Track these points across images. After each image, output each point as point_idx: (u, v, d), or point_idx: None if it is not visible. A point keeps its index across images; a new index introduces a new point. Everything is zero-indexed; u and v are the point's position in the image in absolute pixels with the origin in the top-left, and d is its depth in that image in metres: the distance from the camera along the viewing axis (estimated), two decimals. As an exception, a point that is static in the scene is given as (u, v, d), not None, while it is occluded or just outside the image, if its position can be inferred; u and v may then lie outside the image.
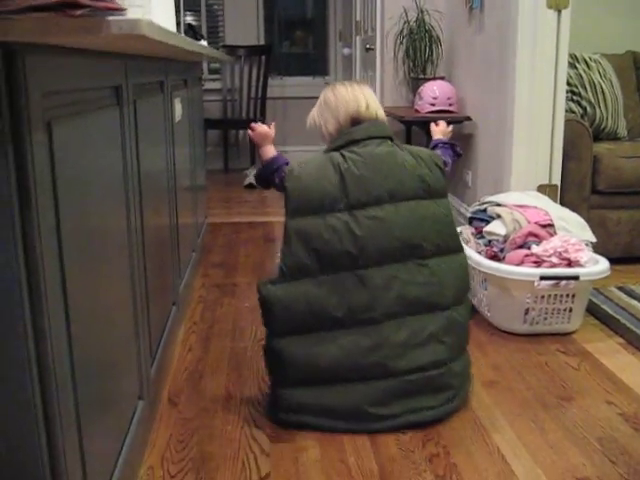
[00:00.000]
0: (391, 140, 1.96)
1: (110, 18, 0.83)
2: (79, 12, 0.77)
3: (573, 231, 2.56)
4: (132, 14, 2.04)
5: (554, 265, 2.40)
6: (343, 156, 1.91)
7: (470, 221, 2.83)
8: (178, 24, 2.65)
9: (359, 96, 1.98)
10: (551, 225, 2.56)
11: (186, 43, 1.68)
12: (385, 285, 1.82)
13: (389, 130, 1.99)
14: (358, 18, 5.23)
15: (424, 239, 1.86)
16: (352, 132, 1.95)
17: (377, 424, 1.82)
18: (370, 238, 1.82)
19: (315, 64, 6.75)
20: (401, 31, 4.01)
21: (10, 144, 0.87)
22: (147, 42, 1.10)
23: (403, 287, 1.83)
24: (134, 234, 1.58)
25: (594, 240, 2.62)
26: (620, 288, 2.92)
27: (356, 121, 1.97)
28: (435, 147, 2.15)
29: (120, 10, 0.87)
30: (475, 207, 2.82)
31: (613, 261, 2.97)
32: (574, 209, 2.90)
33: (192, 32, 2.97)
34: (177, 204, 2.40)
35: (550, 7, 2.91)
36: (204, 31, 6.33)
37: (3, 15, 0.75)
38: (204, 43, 2.96)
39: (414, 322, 1.85)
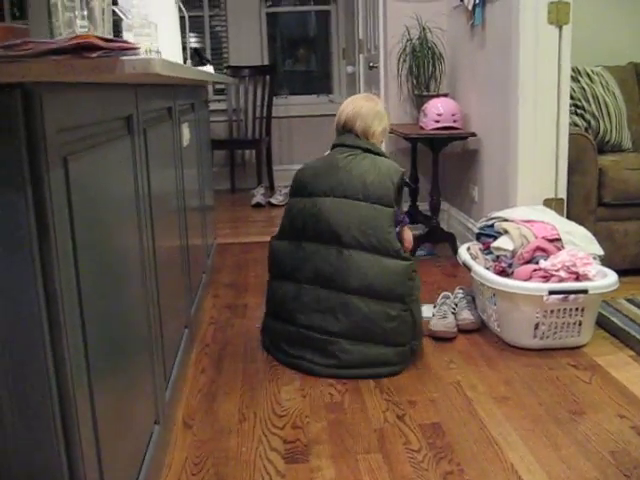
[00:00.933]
0: (363, 150, 2.45)
1: (124, 58, 0.85)
2: (95, 54, 0.79)
3: (580, 245, 2.57)
4: (140, 42, 2.08)
5: (562, 279, 2.42)
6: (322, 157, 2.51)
7: (478, 237, 2.84)
8: (184, 49, 2.69)
9: (345, 110, 2.53)
10: (558, 239, 2.57)
11: (195, 74, 1.71)
12: (309, 256, 2.37)
13: (360, 142, 2.48)
14: (361, 36, 5.26)
15: (345, 231, 2.31)
16: (335, 139, 2.56)
17: (286, 359, 2.38)
18: (312, 219, 2.38)
19: (319, 82, 6.80)
20: (404, 49, 4.04)
21: (29, 182, 0.90)
22: (159, 76, 1.13)
23: (320, 262, 2.35)
24: (147, 257, 1.60)
25: (601, 253, 2.63)
26: (629, 300, 2.93)
27: (343, 130, 2.54)
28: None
29: (134, 49, 0.89)
30: (482, 223, 2.84)
31: (621, 273, 2.98)
32: (581, 222, 2.91)
33: (197, 56, 3.01)
34: (187, 225, 2.43)
35: (551, 23, 2.94)
36: (208, 53, 6.39)
37: (23, 59, 0.78)
38: (209, 67, 3.00)
39: (321, 292, 2.34)
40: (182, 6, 2.63)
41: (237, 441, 1.90)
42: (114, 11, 2.17)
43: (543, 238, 2.56)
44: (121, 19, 2.13)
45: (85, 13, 1.57)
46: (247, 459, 1.81)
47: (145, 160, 1.66)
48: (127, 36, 2.00)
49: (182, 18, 2.82)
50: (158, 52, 2.14)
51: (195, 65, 2.93)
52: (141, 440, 1.48)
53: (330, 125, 6.55)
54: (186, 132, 2.47)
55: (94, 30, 1.57)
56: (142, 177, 1.59)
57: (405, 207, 3.71)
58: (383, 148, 4.39)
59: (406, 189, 2.60)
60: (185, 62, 2.75)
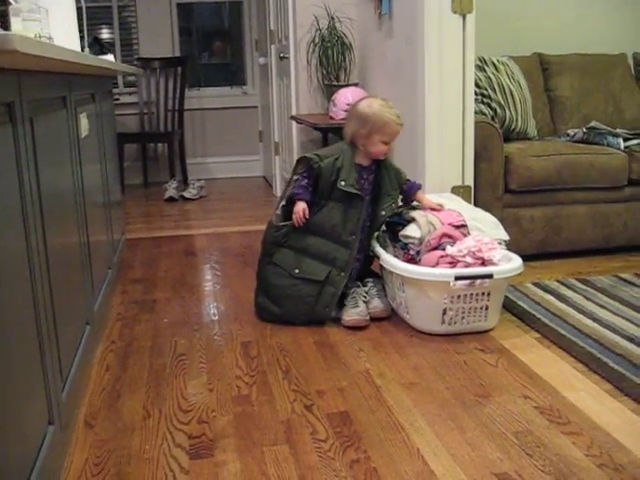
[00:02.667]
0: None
1: (-23, 34, 0.80)
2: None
3: (486, 230, 2.61)
4: (30, 28, 2.00)
5: (468, 265, 2.45)
6: None
7: (387, 225, 2.85)
8: (82, 37, 2.60)
9: None
10: (464, 225, 2.61)
11: (73, 56, 1.64)
12: None
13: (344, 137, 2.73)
14: (272, 27, 5.23)
15: None
16: None
17: None
18: None
19: (233, 74, 6.73)
20: (313, 39, 4.04)
21: None
22: (28, 57, 1.07)
23: None
24: (36, 256, 1.53)
25: (507, 238, 2.68)
26: (535, 284, 2.99)
27: None
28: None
29: (-10, 25, 0.84)
30: (391, 211, 2.85)
31: (528, 258, 3.06)
32: (488, 209, 2.96)
33: (98, 45, 2.92)
34: (87, 222, 2.35)
35: (455, 12, 2.97)
36: (117, 45, 6.24)
37: None
38: (110, 56, 2.91)
39: None
40: (79, -7, 2.54)
41: (140, 439, 1.85)
42: (2, -4, 2.09)
43: (449, 225, 2.58)
44: (9, 3, 2.04)
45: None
46: (150, 457, 1.76)
47: (32, 151, 1.59)
48: (15, 21, 1.92)
49: (83, 6, 2.74)
50: (49, 38, 2.06)
51: (95, 54, 2.84)
52: (31, 442, 1.42)
53: (244, 117, 6.53)
54: (84, 123, 2.40)
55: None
56: (28, 169, 1.52)
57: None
58: (294, 133, 4.37)
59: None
60: (82, 50, 2.67)
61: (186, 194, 5.45)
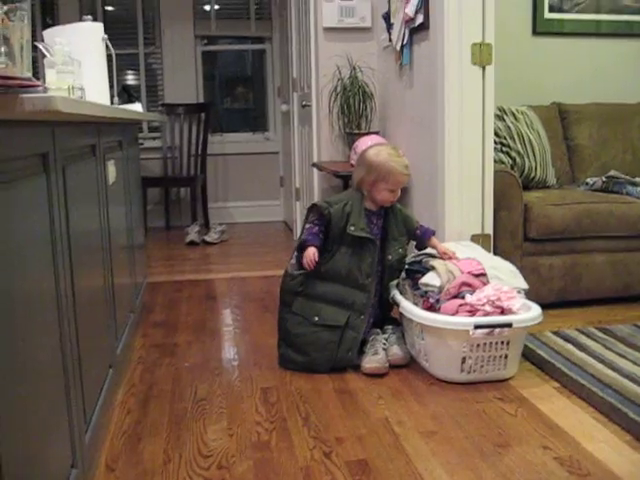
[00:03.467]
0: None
1: (23, 95, 0.85)
2: (-9, 91, 0.78)
3: (505, 279, 2.63)
4: (63, 80, 2.07)
5: (488, 314, 2.46)
6: None
7: (407, 273, 2.87)
8: (112, 86, 2.68)
9: None
10: (484, 274, 2.62)
11: (106, 111, 1.70)
12: None
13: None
14: (295, 75, 5.34)
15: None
16: None
17: None
18: None
19: (255, 120, 6.84)
20: (335, 88, 4.12)
21: None
22: (66, 114, 1.12)
23: None
24: (64, 298, 1.57)
25: (526, 287, 2.69)
26: (555, 333, 2.99)
27: None
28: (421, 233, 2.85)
29: (35, 86, 0.89)
30: (411, 259, 2.87)
31: (547, 306, 3.05)
32: (508, 257, 2.98)
33: (126, 94, 3.00)
34: (112, 265, 2.40)
35: (475, 64, 3.03)
36: (143, 90, 6.38)
37: None
38: (137, 105, 2.99)
39: None
40: (109, 44, 2.63)
41: (161, 483, 1.86)
42: (37, 47, 2.17)
43: (469, 273, 2.60)
44: (44, 56, 2.12)
45: (2, 49, 1.56)
46: (170, 502, 1.77)
47: (64, 198, 1.64)
48: (49, 73, 1.99)
49: (113, 56, 2.82)
50: (82, 89, 2.13)
51: (123, 102, 2.92)
52: (55, 485, 1.44)
53: (266, 162, 6.62)
54: (112, 170, 2.46)
55: (12, 66, 1.55)
56: (59, 214, 1.57)
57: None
58: (315, 179, 4.42)
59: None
60: (112, 100, 2.74)
61: (207, 238, 5.50)
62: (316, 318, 2.66)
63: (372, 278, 2.70)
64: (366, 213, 2.73)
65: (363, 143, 3.75)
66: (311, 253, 2.64)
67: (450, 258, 2.72)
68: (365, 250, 2.68)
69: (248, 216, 6.56)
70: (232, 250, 5.29)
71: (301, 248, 2.69)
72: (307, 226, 2.73)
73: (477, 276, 2.61)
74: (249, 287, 4.05)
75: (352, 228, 2.66)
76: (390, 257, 2.76)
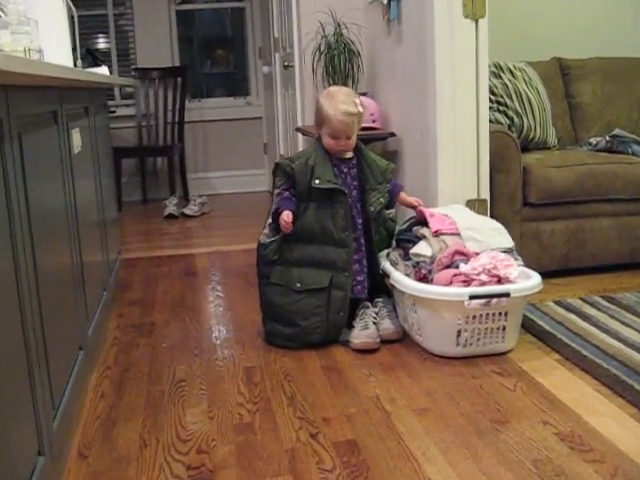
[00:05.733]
0: None
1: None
2: None
3: (483, 240, 2.61)
4: (18, 41, 2.04)
5: (484, 283, 2.46)
6: None
7: (398, 242, 2.87)
8: (74, 49, 2.64)
9: None
10: (456, 234, 2.62)
11: (62, 72, 1.67)
12: None
13: None
14: (276, 34, 5.28)
15: None
16: None
17: None
18: None
19: (235, 84, 6.80)
20: (319, 46, 4.07)
21: None
22: (19, 76, 1.10)
23: None
24: (24, 278, 1.56)
25: (510, 245, 2.66)
26: (557, 302, 3.00)
27: None
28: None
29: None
30: (401, 227, 2.87)
31: (549, 275, 3.07)
32: (506, 223, 2.96)
33: (91, 57, 2.96)
34: (80, 241, 2.38)
35: (467, 17, 3.00)
36: (114, 54, 6.32)
37: None
38: (103, 68, 2.96)
39: None
40: (70, 3, 2.58)
41: (137, 470, 1.86)
42: (-10, 7, 2.13)
43: (436, 232, 2.62)
44: (-2, 16, 2.08)
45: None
46: (147, 489, 1.77)
47: (21, 170, 1.62)
48: (3, 34, 1.96)
49: (75, 16, 2.78)
50: (40, 51, 2.10)
51: (88, 66, 2.88)
52: (20, 474, 1.44)
53: (248, 129, 6.57)
54: (77, 138, 2.43)
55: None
56: (16, 189, 1.55)
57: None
58: (300, 145, 4.42)
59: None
60: (75, 63, 2.70)
61: (187, 211, 5.49)
62: (298, 284, 2.66)
63: (349, 232, 2.68)
64: (334, 163, 2.73)
65: (350, 105, 3.73)
66: (285, 215, 2.64)
67: (419, 207, 2.80)
68: (336, 202, 2.66)
69: (230, 187, 6.55)
70: (213, 223, 5.28)
71: (275, 217, 2.71)
72: (276, 192, 2.76)
73: (440, 235, 2.63)
74: (231, 262, 4.05)
75: (317, 181, 2.65)
76: (372, 208, 2.75)
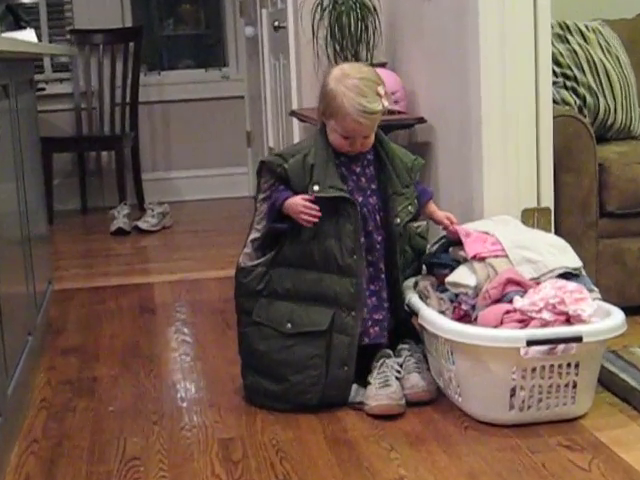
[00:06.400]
0: None
1: None
2: None
3: (542, 260, 2.61)
4: None
5: (547, 323, 2.45)
6: None
7: (429, 267, 2.87)
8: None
9: None
10: (501, 256, 2.62)
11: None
12: None
13: None
14: (263, -17, 5.32)
15: None
16: None
17: None
18: None
19: (208, 51, 6.83)
20: (321, 1, 4.09)
21: None
22: None
23: None
24: None
25: (577, 265, 2.66)
26: (647, 349, 2.99)
27: None
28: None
29: None
30: (434, 246, 2.87)
31: (636, 310, 3.06)
32: (576, 240, 2.98)
33: (12, 16, 2.98)
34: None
35: (521, -39, 3.02)
36: (42, 12, 6.34)
37: None
38: (29, 32, 2.97)
39: None
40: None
41: None
42: None
43: (474, 257, 2.62)
44: None
45: None
46: None
47: None
48: None
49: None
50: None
51: (8, 29, 2.89)
52: None
53: (225, 112, 6.59)
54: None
55: None
56: None
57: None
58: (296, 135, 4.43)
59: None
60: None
61: (142, 224, 5.50)
62: (288, 325, 2.65)
63: (359, 255, 2.67)
64: (339, 162, 2.72)
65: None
66: (301, 200, 2.62)
67: (451, 227, 2.79)
68: (342, 216, 2.65)
69: (201, 191, 6.55)
70: (178, 241, 5.29)
71: (268, 233, 2.72)
72: (261, 197, 2.77)
73: (485, 260, 2.61)
74: (203, 294, 4.05)
75: (316, 187, 2.64)
76: (398, 220, 2.74)
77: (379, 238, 2.75)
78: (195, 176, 6.58)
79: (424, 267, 2.86)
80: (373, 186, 2.76)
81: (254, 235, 2.76)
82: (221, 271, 4.36)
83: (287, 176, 2.68)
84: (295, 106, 4.48)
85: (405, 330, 2.86)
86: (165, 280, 4.32)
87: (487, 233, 2.72)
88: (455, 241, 2.79)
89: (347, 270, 2.66)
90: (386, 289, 2.78)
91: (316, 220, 2.61)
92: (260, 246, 2.74)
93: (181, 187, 6.55)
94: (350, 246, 2.66)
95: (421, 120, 3.69)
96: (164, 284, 4.26)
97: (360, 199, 2.69)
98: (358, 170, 2.75)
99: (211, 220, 5.89)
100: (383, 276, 2.77)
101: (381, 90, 2.68)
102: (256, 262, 2.70)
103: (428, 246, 2.91)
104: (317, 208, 2.61)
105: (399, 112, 3.72)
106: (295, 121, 4.45)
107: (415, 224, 2.86)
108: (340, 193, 2.65)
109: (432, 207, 2.89)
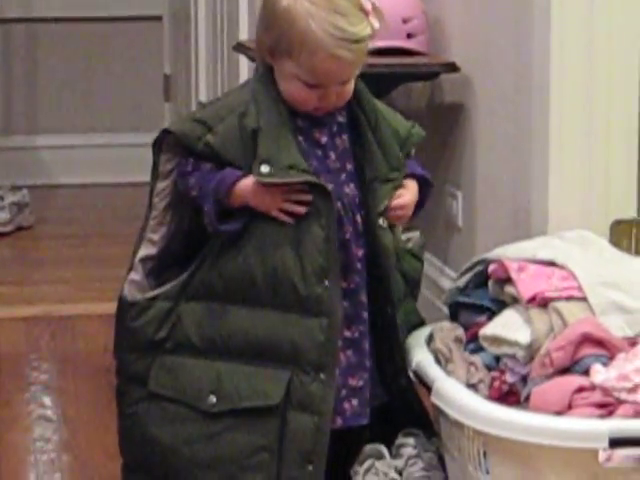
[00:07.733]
0: None
1: None
2: None
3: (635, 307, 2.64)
4: None
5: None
6: None
7: (454, 309, 2.88)
8: None
9: None
10: (578, 299, 2.64)
11: None
12: None
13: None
14: None
15: None
16: None
17: None
18: None
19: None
20: None
21: None
22: None
23: None
24: None
25: None
26: None
27: None
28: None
29: None
30: (464, 278, 2.88)
31: None
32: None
33: None
34: None
35: None
36: None
37: None
38: None
39: None
40: None
41: None
42: None
43: (530, 300, 2.63)
44: None
45: None
46: None
47: None
48: None
49: None
50: None
51: None
52: None
53: (130, 43, 6.62)
54: None
55: None
56: None
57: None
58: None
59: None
60: None
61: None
62: (212, 399, 2.60)
63: (333, 279, 2.61)
64: (295, 127, 2.69)
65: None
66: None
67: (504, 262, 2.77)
68: (309, 214, 2.60)
69: (83, 170, 6.57)
70: (42, 251, 5.31)
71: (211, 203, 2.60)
72: (160, 186, 2.73)
73: (548, 303, 2.63)
74: (78, 341, 4.06)
75: (264, 169, 2.56)
76: (381, 221, 2.71)
77: (359, 253, 2.73)
78: (74, 145, 6.60)
79: (446, 309, 2.87)
80: (349, 166, 2.73)
81: (147, 251, 2.72)
82: (109, 303, 4.37)
83: (215, 154, 2.62)
84: (244, 36, 4.51)
85: (408, 412, 2.87)
86: (17, 316, 4.32)
87: (553, 263, 2.74)
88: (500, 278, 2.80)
89: (313, 305, 2.60)
90: (368, 337, 2.77)
91: (302, 212, 2.58)
92: (157, 268, 2.73)
93: (50, 163, 6.56)
94: (320, 265, 2.61)
95: (453, 67, 3.68)
96: (15, 323, 4.26)
97: (330, 187, 2.63)
98: (324, 140, 2.71)
99: (97, 218, 5.91)
100: (365, 315, 2.76)
101: (366, 3, 2.58)
102: (153, 293, 2.68)
103: (453, 279, 2.91)
104: (307, 190, 2.57)
105: (415, 52, 3.73)
106: (243, 59, 4.47)
107: (403, 235, 2.84)
108: (306, 177, 2.58)
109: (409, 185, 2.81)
